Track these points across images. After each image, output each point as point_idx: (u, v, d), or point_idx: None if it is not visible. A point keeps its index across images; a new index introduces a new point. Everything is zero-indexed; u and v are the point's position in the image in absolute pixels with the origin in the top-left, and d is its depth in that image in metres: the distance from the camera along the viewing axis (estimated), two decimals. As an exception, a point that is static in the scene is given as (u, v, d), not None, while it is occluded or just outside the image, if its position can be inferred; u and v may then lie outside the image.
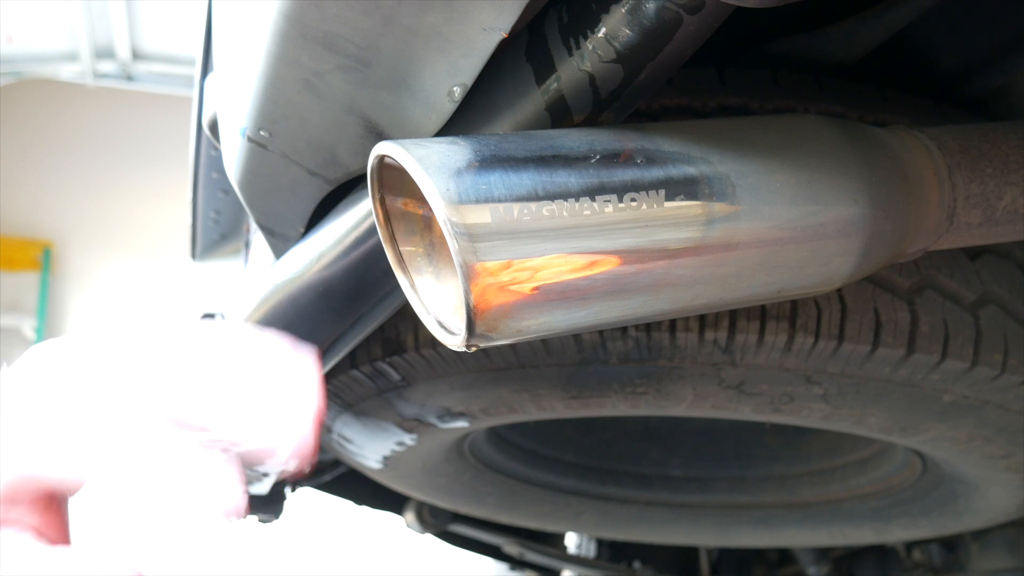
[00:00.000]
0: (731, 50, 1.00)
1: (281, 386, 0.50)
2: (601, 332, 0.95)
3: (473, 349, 0.54)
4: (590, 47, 0.59)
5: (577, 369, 1.01)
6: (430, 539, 2.20)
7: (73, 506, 0.49)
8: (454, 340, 0.56)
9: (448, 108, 0.64)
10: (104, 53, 4.66)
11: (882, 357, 0.94)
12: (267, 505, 1.67)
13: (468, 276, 0.50)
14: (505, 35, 0.57)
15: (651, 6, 0.56)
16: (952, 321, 0.94)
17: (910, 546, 2.00)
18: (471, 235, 0.50)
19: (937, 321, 0.93)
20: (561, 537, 2.43)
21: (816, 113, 0.74)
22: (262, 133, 0.76)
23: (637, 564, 2.31)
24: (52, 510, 0.51)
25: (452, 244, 0.50)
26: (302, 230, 0.86)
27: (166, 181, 5.68)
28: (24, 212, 6.05)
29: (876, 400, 1.02)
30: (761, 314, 0.91)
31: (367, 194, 0.69)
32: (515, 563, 2.34)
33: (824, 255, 0.63)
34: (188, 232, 2.01)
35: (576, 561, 2.38)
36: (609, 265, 0.54)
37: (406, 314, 0.99)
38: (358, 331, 0.87)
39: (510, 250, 0.51)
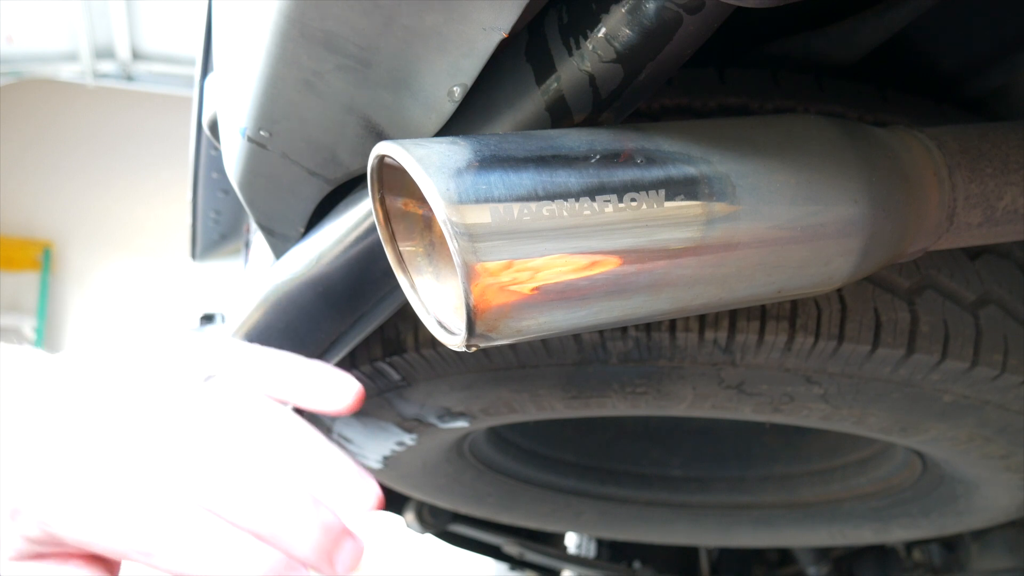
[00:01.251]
0: (731, 50, 1.00)
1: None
2: (601, 332, 0.95)
3: (473, 349, 0.54)
4: (590, 47, 0.59)
5: (577, 369, 1.01)
6: (430, 539, 2.20)
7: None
8: (454, 340, 0.56)
9: (448, 108, 0.64)
10: (104, 53, 4.66)
11: (882, 357, 0.93)
12: (267, 505, 1.67)
13: (468, 276, 0.50)
14: (505, 35, 0.57)
15: (651, 6, 0.56)
16: (952, 321, 0.94)
17: (910, 546, 2.00)
18: (471, 235, 0.50)
19: (937, 321, 0.93)
20: (561, 537, 2.42)
21: (816, 113, 0.74)
22: (262, 133, 0.76)
23: (637, 564, 2.31)
24: None
25: (452, 244, 0.50)
26: (302, 230, 0.86)
27: (166, 181, 5.68)
28: (24, 212, 6.05)
29: (876, 400, 1.02)
30: (761, 314, 0.91)
31: (367, 194, 0.69)
32: (515, 563, 2.34)
33: (824, 255, 0.63)
34: (188, 232, 2.01)
35: (576, 561, 2.38)
36: (609, 265, 0.54)
37: (406, 314, 0.99)
38: (358, 331, 0.87)
39: (510, 250, 0.51)
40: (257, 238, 1.30)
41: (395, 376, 1.10)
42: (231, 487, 0.46)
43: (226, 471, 0.47)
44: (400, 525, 2.15)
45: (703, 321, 0.92)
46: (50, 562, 0.51)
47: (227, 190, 1.75)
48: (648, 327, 0.93)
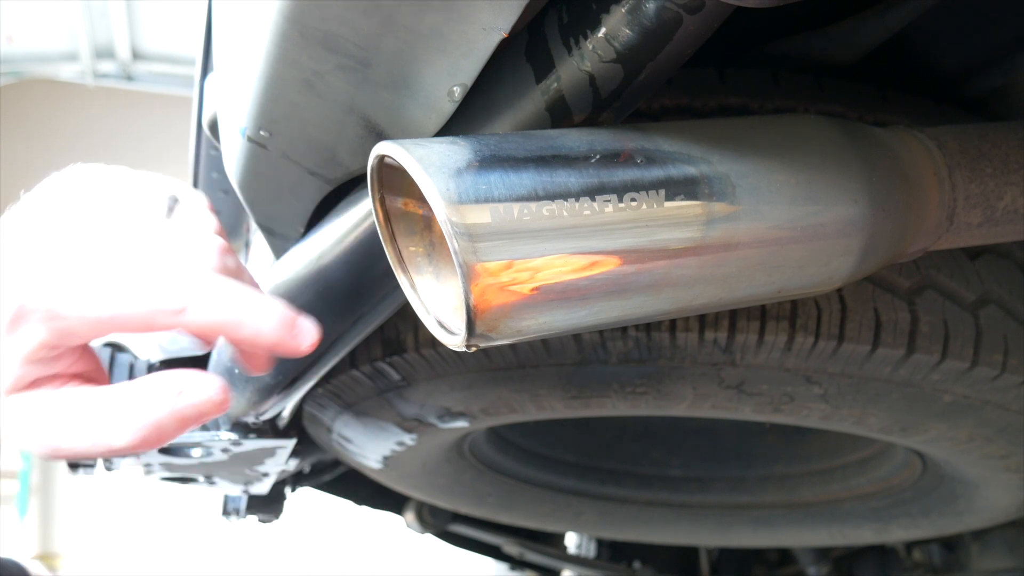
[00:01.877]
0: (731, 50, 1.00)
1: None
2: (601, 332, 0.95)
3: (473, 349, 0.54)
4: (590, 47, 0.59)
5: (577, 369, 1.01)
6: (430, 539, 2.20)
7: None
8: (454, 340, 0.56)
9: (448, 108, 0.64)
10: (104, 53, 4.66)
11: (882, 357, 0.93)
12: (267, 505, 1.68)
13: (468, 276, 0.50)
14: (505, 35, 0.57)
15: (651, 6, 0.56)
16: (952, 321, 0.94)
17: (910, 546, 2.00)
18: (471, 235, 0.50)
19: (937, 321, 0.93)
20: (561, 537, 2.42)
21: (816, 113, 0.74)
22: (262, 133, 0.76)
23: (637, 564, 2.31)
24: (88, 355, 0.54)
25: (452, 244, 0.49)
26: (302, 230, 0.86)
27: (166, 181, 5.67)
28: (24, 212, 6.04)
29: (876, 400, 1.02)
30: (761, 314, 0.91)
31: (367, 194, 0.69)
32: (515, 563, 2.34)
33: (824, 255, 0.63)
34: (188, 232, 2.00)
35: (576, 561, 2.38)
36: (609, 265, 0.54)
37: (406, 314, 0.99)
38: (358, 331, 0.87)
39: (510, 250, 0.51)
40: (257, 238, 1.30)
41: (395, 376, 1.10)
42: (217, 276, 0.51)
43: (208, 265, 0.52)
44: (400, 525, 2.15)
45: (703, 321, 0.92)
46: (46, 387, 0.51)
47: (227, 190, 1.75)
48: (648, 327, 0.93)
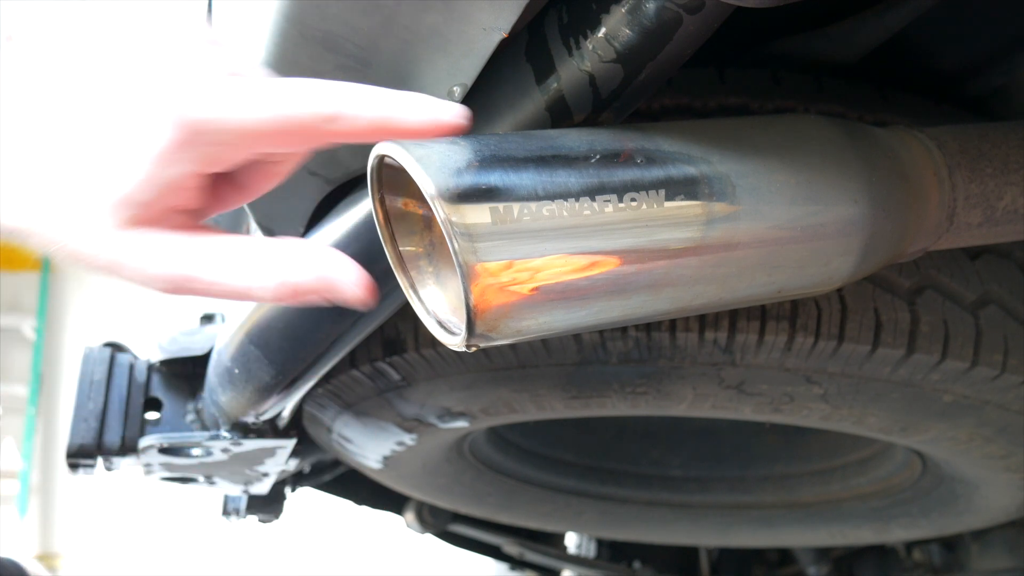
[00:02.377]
0: (731, 50, 1.00)
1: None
2: (601, 332, 0.95)
3: (473, 349, 0.54)
4: (590, 47, 0.60)
5: (577, 369, 1.01)
6: (430, 539, 2.20)
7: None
8: (454, 340, 0.56)
9: (448, 108, 0.64)
10: (104, 53, 4.66)
11: (882, 357, 0.93)
12: (267, 505, 1.68)
13: (468, 276, 0.50)
14: (505, 35, 0.57)
15: (651, 6, 0.56)
16: (952, 321, 0.94)
17: (910, 546, 2.00)
18: (471, 235, 0.50)
19: (937, 321, 0.93)
20: (561, 537, 2.43)
21: (816, 113, 0.74)
22: (262, 133, 0.76)
23: (637, 564, 2.31)
24: (204, 194, 0.52)
25: (452, 244, 0.49)
26: (302, 230, 0.86)
27: (166, 181, 5.67)
28: (24, 212, 6.04)
29: (876, 400, 1.02)
30: (761, 314, 0.91)
31: (367, 194, 0.69)
32: (515, 563, 2.34)
33: (824, 255, 0.63)
34: (188, 232, 2.00)
35: (576, 561, 2.38)
36: (609, 265, 0.54)
37: (406, 314, 0.99)
38: (358, 331, 0.87)
39: (510, 250, 0.51)
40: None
41: (395, 376, 1.10)
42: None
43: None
44: (400, 525, 2.15)
45: (703, 321, 0.92)
46: (158, 228, 0.49)
47: (227, 190, 1.75)
48: (648, 327, 0.93)
